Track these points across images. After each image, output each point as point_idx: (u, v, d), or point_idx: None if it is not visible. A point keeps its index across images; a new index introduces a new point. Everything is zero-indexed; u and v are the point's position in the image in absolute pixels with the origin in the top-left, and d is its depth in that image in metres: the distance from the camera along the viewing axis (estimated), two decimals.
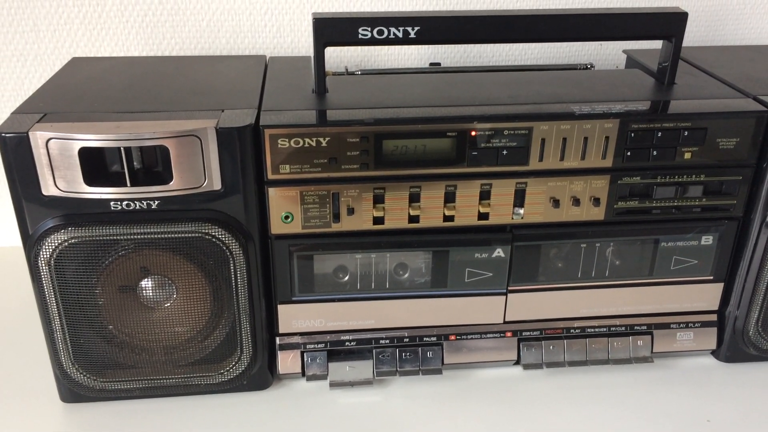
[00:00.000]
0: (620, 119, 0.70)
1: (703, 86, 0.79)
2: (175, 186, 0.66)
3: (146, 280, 0.72)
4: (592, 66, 0.91)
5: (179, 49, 0.99)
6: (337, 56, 1.01)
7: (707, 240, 0.78)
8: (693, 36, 1.08)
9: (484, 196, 0.73)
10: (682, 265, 0.79)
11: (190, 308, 0.73)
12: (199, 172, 0.66)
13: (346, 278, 0.76)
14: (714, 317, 0.83)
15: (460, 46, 1.01)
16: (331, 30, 0.72)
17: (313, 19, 0.71)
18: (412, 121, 0.69)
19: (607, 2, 1.02)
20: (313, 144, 0.68)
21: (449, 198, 0.72)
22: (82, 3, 0.95)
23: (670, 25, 0.75)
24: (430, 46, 1.00)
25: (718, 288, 0.81)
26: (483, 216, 0.74)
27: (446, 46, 1.00)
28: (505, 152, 0.70)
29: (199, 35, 0.99)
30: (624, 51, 0.94)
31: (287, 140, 0.67)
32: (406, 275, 0.76)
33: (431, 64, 0.93)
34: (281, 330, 0.77)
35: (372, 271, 0.75)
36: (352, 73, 0.88)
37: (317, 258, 0.74)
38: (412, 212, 0.72)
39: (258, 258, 0.71)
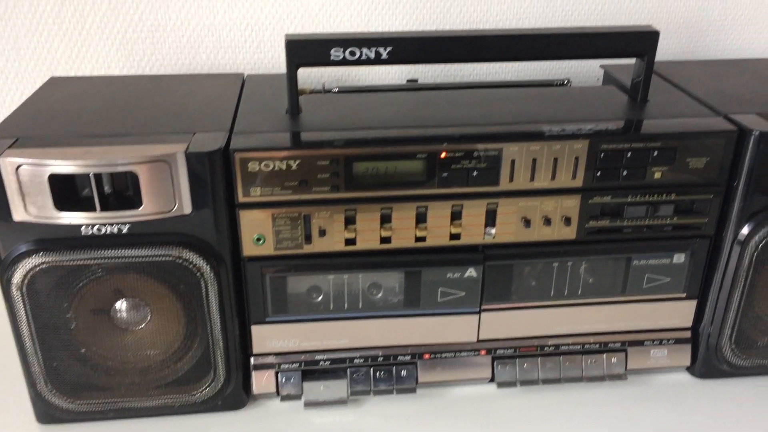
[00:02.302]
0: (590, 139, 0.71)
1: (676, 104, 0.79)
2: (145, 211, 0.66)
3: (120, 302, 0.73)
4: (568, 82, 0.91)
5: (159, 66, 1.00)
6: (318, 71, 1.01)
7: (679, 258, 0.78)
8: (673, 49, 1.08)
9: (456, 216, 0.73)
10: (654, 283, 0.79)
11: (164, 330, 0.74)
12: (169, 196, 0.66)
13: (320, 298, 0.76)
14: (688, 334, 0.83)
15: None
16: (304, 51, 0.72)
17: (286, 40, 0.72)
18: (382, 143, 0.69)
19: (584, 18, 1.03)
20: (284, 167, 0.68)
21: (420, 219, 0.73)
22: (62, 20, 0.95)
23: (642, 43, 0.76)
24: None
25: (691, 305, 0.81)
26: (455, 236, 0.74)
27: None
28: (475, 173, 0.71)
29: (179, 52, 0.99)
30: (601, 66, 0.95)
31: (257, 163, 0.68)
32: (380, 295, 0.77)
33: (409, 80, 0.93)
34: (255, 350, 0.78)
35: (345, 291, 0.76)
36: (329, 91, 0.88)
37: (290, 279, 0.74)
38: (384, 233, 0.72)
39: (230, 280, 0.72)
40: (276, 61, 1.01)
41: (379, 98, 0.83)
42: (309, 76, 0.97)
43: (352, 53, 0.72)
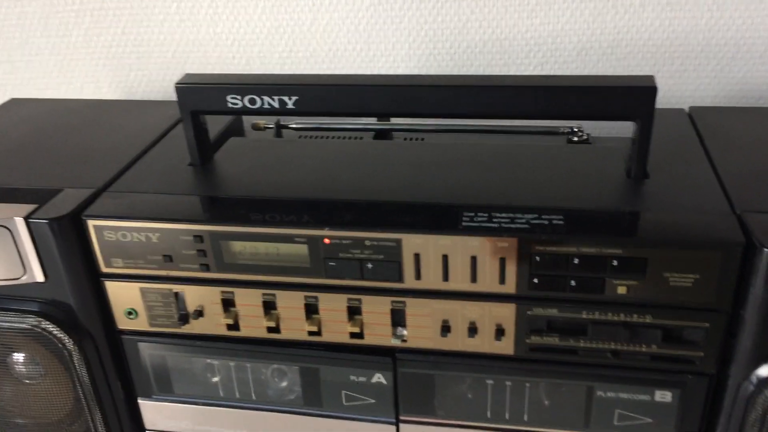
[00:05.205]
0: (518, 238, 0.53)
1: (682, 186, 0.57)
2: None
3: (15, 355, 0.68)
4: (579, 132, 0.71)
5: (147, 83, 0.94)
6: None
7: (664, 396, 0.57)
8: (753, 81, 0.82)
9: (354, 312, 0.59)
10: (630, 422, 0.59)
11: (56, 390, 0.68)
12: (15, 262, 0.59)
13: (211, 380, 0.66)
14: None
15: None
16: (198, 97, 0.61)
17: (176, 85, 0.61)
18: (256, 222, 0.57)
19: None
20: (143, 239, 0.58)
21: (311, 310, 0.59)
22: (49, 35, 0.92)
23: (632, 103, 0.55)
24: None
25: None
26: (356, 335, 0.60)
27: None
28: (370, 265, 0.56)
29: (166, 68, 0.92)
30: None
31: (113, 233, 0.58)
32: (277, 386, 0.65)
33: (379, 119, 0.78)
34: (147, 426, 0.70)
35: (234, 377, 0.65)
36: (284, 127, 0.76)
37: (171, 358, 0.65)
38: (268, 323, 0.60)
39: (105, 352, 0.64)
40: None
41: (317, 147, 0.69)
42: None
43: (252, 101, 0.60)
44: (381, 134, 0.76)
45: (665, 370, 0.56)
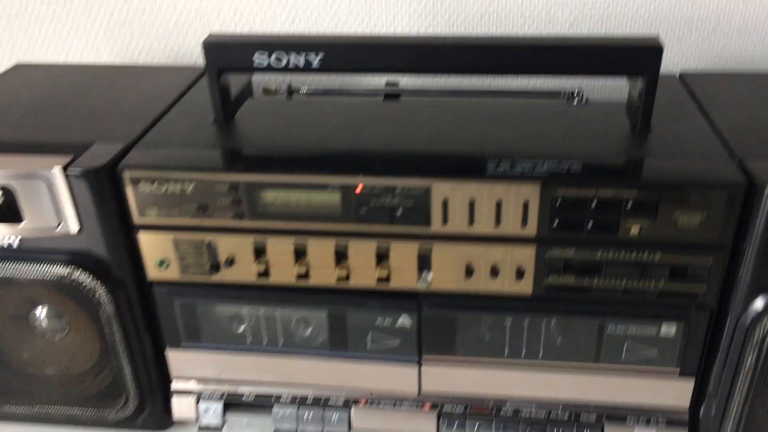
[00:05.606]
0: (542, 183, 0.57)
1: (685, 137, 0.63)
2: (28, 227, 0.61)
3: (39, 310, 0.69)
4: (579, 94, 0.76)
5: (148, 52, 0.94)
6: None
7: (669, 329, 0.63)
8: (722, 56, 0.88)
9: (382, 257, 0.62)
10: (638, 355, 0.64)
11: (81, 344, 0.70)
12: (51, 214, 0.60)
13: (238, 329, 0.69)
14: (685, 416, 0.68)
15: None
16: (225, 55, 0.63)
17: (203, 43, 0.63)
18: (291, 170, 0.59)
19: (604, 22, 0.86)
20: (178, 190, 0.60)
21: (341, 256, 0.63)
22: (50, 1, 0.92)
23: (640, 60, 0.60)
24: None
25: (687, 384, 0.66)
26: (383, 279, 0.63)
27: None
28: (400, 212, 0.59)
29: (168, 37, 0.93)
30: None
31: (149, 184, 0.60)
32: (306, 331, 0.68)
33: (388, 83, 0.81)
34: (174, 374, 0.72)
35: (263, 324, 0.68)
36: (294, 91, 0.79)
37: (201, 307, 0.67)
38: (299, 269, 0.63)
39: (135, 302, 0.66)
40: None
41: (335, 107, 0.72)
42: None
43: (279, 59, 0.62)
44: (389, 97, 0.79)
45: (671, 305, 0.61)
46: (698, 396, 0.66)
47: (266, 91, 0.80)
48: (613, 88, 0.77)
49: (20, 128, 0.67)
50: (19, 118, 0.69)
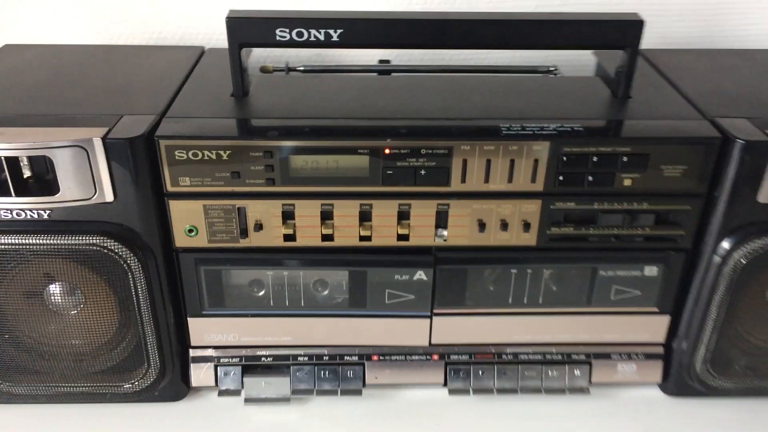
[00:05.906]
0: (551, 141, 0.64)
1: (661, 103, 0.72)
2: (63, 197, 0.62)
3: (53, 286, 0.70)
4: (555, 70, 0.84)
5: (128, 35, 0.95)
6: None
7: (651, 271, 0.72)
8: (687, 34, 0.99)
9: (403, 216, 0.68)
10: (623, 296, 0.73)
11: (97, 317, 0.71)
12: (88, 183, 0.62)
13: (260, 293, 0.72)
14: (660, 350, 0.77)
15: None
16: (247, 30, 0.67)
17: (227, 18, 0.66)
18: (322, 136, 0.64)
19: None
20: (213, 157, 0.64)
21: (365, 217, 0.68)
22: None
23: (624, 34, 0.68)
24: None
25: (664, 320, 0.75)
26: (402, 237, 0.69)
27: None
28: (423, 172, 0.65)
29: (148, 19, 0.94)
30: (594, 53, 0.87)
31: (185, 152, 0.63)
32: (324, 293, 0.72)
33: (380, 60, 0.87)
34: (193, 343, 0.74)
35: (286, 288, 0.71)
36: (293, 69, 0.83)
37: (226, 273, 0.70)
38: (325, 231, 0.68)
39: (162, 271, 0.68)
40: None
41: (339, 81, 0.77)
42: (284, 53, 0.92)
43: (300, 34, 0.67)
44: (383, 74, 0.84)
45: (654, 248, 0.70)
46: (673, 331, 0.76)
47: (264, 70, 0.83)
48: (577, 64, 0.86)
49: (40, 103, 0.68)
50: (35, 94, 0.70)
